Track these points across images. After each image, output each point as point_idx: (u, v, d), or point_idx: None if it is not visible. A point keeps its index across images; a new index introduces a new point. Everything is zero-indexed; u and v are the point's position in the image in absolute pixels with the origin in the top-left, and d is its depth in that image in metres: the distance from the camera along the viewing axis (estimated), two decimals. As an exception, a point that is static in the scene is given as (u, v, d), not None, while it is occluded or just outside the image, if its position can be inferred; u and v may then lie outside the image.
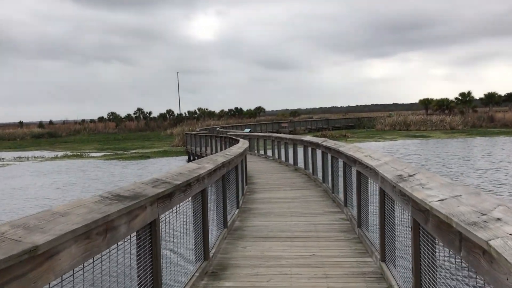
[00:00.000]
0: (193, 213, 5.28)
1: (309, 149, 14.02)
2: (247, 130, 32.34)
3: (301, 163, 15.68)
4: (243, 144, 11.93)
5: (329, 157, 10.53)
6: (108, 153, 41.15)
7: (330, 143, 10.45)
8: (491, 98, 70.60)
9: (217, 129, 43.57)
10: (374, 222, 5.99)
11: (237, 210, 8.75)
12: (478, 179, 18.59)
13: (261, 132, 52.78)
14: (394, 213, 4.73)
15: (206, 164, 5.81)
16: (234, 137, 20.29)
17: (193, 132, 35.29)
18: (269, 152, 21.76)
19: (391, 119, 61.44)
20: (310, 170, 13.85)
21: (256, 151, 24.38)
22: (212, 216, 6.52)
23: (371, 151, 6.65)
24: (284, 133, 56.59)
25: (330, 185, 10.51)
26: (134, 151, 42.02)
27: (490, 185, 17.18)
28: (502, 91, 73.19)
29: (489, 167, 22.19)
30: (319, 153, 12.36)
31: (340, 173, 9.04)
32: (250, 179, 14.35)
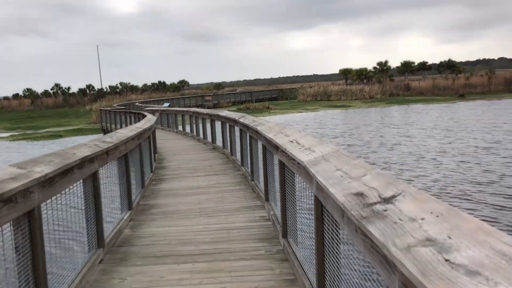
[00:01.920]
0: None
1: (227, 126, 11.94)
2: (166, 104, 29.78)
3: (220, 141, 13.60)
4: (144, 123, 9.58)
5: (248, 137, 8.52)
6: (17, 133, 36.75)
7: (248, 119, 8.41)
8: (407, 67, 72.09)
9: (136, 104, 40.34)
10: (308, 234, 4.07)
11: (129, 213, 6.51)
12: (413, 147, 17.55)
13: (184, 106, 50.03)
14: (339, 245, 2.79)
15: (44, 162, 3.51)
16: (146, 113, 17.74)
17: (108, 108, 32.02)
18: (188, 128, 19.49)
19: (312, 89, 60.77)
20: (229, 150, 11.82)
21: (174, 128, 22.00)
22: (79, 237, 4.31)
23: (299, 134, 4.68)
24: (208, 107, 54.29)
25: (249, 170, 8.52)
26: (46, 130, 37.90)
27: (431, 154, 16.10)
28: (416, 60, 74.92)
29: (424, 134, 21.45)
30: (237, 130, 10.34)
31: (261, 157, 7.05)
32: (161, 161, 12.09)
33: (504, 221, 8.97)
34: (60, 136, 31.84)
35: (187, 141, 17.05)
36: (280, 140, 4.73)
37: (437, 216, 1.75)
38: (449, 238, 1.54)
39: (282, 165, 4.81)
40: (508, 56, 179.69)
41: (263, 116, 38.65)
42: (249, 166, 8.63)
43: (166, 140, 17.79)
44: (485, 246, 1.42)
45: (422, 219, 1.76)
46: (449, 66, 72.48)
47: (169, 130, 22.42)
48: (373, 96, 55.44)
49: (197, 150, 14.16)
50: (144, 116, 17.67)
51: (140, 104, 37.43)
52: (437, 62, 77.56)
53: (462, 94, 49.86)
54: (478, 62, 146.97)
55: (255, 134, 7.15)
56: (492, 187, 11.42)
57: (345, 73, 73.07)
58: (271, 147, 5.54)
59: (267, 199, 6.46)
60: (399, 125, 26.22)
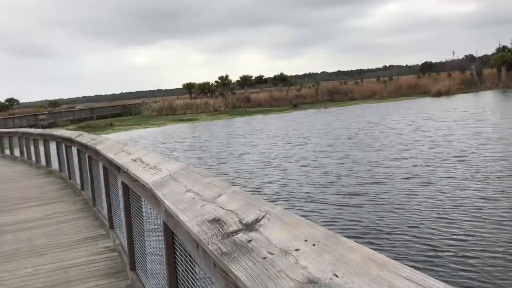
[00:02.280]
0: None
1: (63, 146, 10.66)
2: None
3: (56, 164, 12.13)
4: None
5: (87, 157, 7.59)
6: None
7: (86, 138, 7.51)
8: (246, 81, 75.09)
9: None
10: (160, 266, 3.53)
11: None
12: (260, 156, 17.91)
13: (13, 127, 44.75)
14: (195, 281, 2.35)
15: None
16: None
17: None
18: (17, 152, 17.18)
19: (157, 104, 59.62)
20: (67, 173, 10.56)
21: (0, 153, 19.25)
22: None
23: (143, 151, 4.13)
24: (42, 126, 49.38)
25: (91, 194, 7.60)
26: None
27: (276, 161, 16.53)
28: (253, 74, 78.62)
29: (268, 142, 22.13)
30: (75, 151, 9.24)
31: (103, 179, 6.26)
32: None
33: (346, 217, 9.49)
34: None
35: (16, 167, 14.97)
36: (122, 159, 4.13)
37: (314, 245, 1.41)
38: (336, 276, 1.19)
39: (126, 187, 4.20)
40: (329, 70, 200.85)
41: (106, 133, 36.46)
42: (90, 190, 7.70)
43: (-10, 167, 15.40)
44: (384, 285, 1.09)
45: (297, 250, 1.39)
46: (282, 79, 77.67)
47: (-6, 155, 19.57)
48: (217, 109, 56.60)
49: (28, 176, 12.44)
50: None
51: (-43, 128, 32.31)
52: (272, 76, 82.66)
53: (295, 104, 53.61)
54: (305, 75, 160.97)
55: (95, 154, 6.34)
56: (332, 187, 12.14)
57: (189, 87, 73.25)
58: (112, 167, 4.87)
59: (111, 227, 5.72)
60: (244, 135, 26.92)
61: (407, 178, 12.28)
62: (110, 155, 4.70)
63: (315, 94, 58.72)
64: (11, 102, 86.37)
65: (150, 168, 3.32)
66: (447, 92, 47.56)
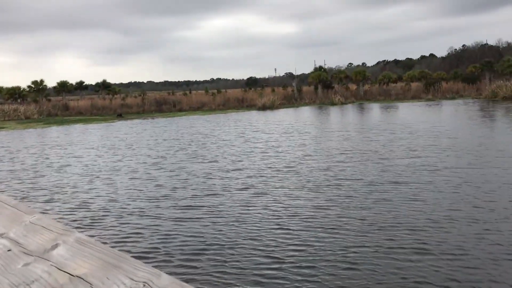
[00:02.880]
0: None
1: None
2: None
3: None
4: None
5: None
6: None
7: None
8: (64, 87, 68.84)
9: None
10: None
11: None
12: (84, 168, 15.90)
13: None
14: None
15: None
16: None
17: None
18: None
19: None
20: None
21: None
22: None
23: None
24: None
25: None
26: None
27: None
28: (73, 80, 72.62)
29: (93, 154, 19.90)
30: None
31: None
32: None
33: (184, 232, 8.76)
34: None
35: None
36: None
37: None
38: None
39: None
40: (155, 80, 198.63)
41: None
42: None
43: None
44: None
45: None
46: (105, 87, 73.52)
47: None
48: (30, 117, 50.79)
49: None
50: None
51: None
52: (93, 83, 77.52)
53: (120, 114, 51.09)
54: (130, 84, 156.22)
55: None
56: (167, 201, 11.29)
57: (-5, 91, 64.17)
58: None
59: None
60: (64, 145, 24.18)
61: (243, 189, 12.15)
62: None
63: (142, 103, 56.85)
64: None
65: None
66: (271, 106, 50.54)
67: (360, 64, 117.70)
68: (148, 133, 29.06)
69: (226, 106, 53.41)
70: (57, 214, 10.53)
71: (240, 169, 14.86)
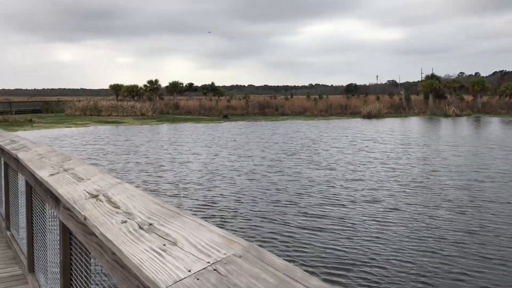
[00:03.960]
0: None
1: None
2: None
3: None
4: None
5: (3, 165, 5.38)
6: None
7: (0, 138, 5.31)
8: (175, 87, 72.16)
9: None
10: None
11: None
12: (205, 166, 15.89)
13: None
14: None
15: None
16: None
17: None
18: None
19: (81, 103, 55.00)
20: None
21: None
22: None
23: (107, 180, 2.17)
24: None
25: (3, 213, 5.32)
26: None
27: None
28: (182, 82, 75.73)
29: (209, 152, 20.06)
30: None
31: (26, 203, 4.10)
32: None
33: (320, 243, 7.87)
34: None
35: None
36: (68, 189, 2.16)
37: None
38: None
39: (66, 232, 2.23)
40: (256, 84, 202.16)
41: (24, 130, 32.37)
42: (3, 210, 5.44)
43: None
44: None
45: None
46: (212, 89, 75.77)
47: None
48: (145, 113, 53.37)
49: None
50: None
51: None
52: (200, 84, 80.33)
53: (226, 115, 51.99)
54: (232, 87, 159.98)
55: (16, 164, 4.20)
56: (288, 207, 10.51)
57: (116, 89, 68.98)
58: (47, 195, 2.86)
59: (32, 270, 3.60)
60: (180, 142, 24.78)
61: (371, 202, 11.11)
62: (44, 174, 2.71)
63: (246, 106, 57.51)
64: None
65: (119, 213, 1.49)
66: (377, 115, 47.89)
67: (473, 74, 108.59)
68: (256, 135, 28.87)
69: (329, 112, 52.05)
70: (188, 210, 10.20)
71: (361, 180, 13.73)
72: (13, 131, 31.25)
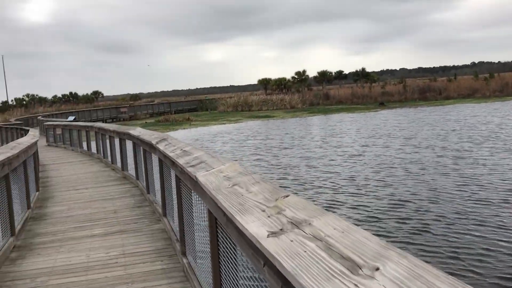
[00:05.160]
0: None
1: (141, 150, 7.88)
2: (71, 118, 24.83)
3: (132, 167, 9.46)
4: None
5: (174, 177, 4.65)
6: None
7: (173, 146, 4.58)
8: (324, 76, 71.07)
9: (39, 118, 34.65)
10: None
11: None
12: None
13: (96, 119, 44.32)
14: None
15: None
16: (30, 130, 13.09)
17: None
18: (94, 148, 15.05)
19: (232, 100, 57.35)
20: (144, 184, 7.78)
21: (78, 147, 17.35)
22: None
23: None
24: (123, 119, 48.74)
25: (177, 228, 4.66)
26: None
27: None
28: (330, 70, 74.13)
29: (381, 143, 18.57)
30: (155, 160, 6.44)
31: (205, 224, 3.18)
32: (43, 204, 7.74)
33: None
34: None
35: (90, 166, 12.63)
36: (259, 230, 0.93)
37: None
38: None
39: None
40: (408, 67, 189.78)
41: (184, 128, 34.47)
42: (176, 222, 4.77)
43: (63, 165, 13.26)
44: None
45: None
46: (363, 75, 72.58)
47: (72, 150, 17.71)
48: (294, 106, 53.23)
49: (100, 182, 9.87)
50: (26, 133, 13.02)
51: (42, 118, 31.71)
52: (347, 72, 77.43)
53: (382, 102, 49.09)
54: (383, 72, 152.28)
55: (193, 185, 3.33)
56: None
57: (264, 83, 70.58)
58: (241, 240, 1.74)
59: None
60: (339, 133, 23.47)
61: None
62: (244, 222, 1.55)
63: (403, 91, 53.58)
64: (96, 94, 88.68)
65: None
66: None
67: None
68: (425, 122, 26.05)
69: (504, 92, 45.43)
70: (380, 213, 8.79)
71: None
72: (174, 130, 33.60)
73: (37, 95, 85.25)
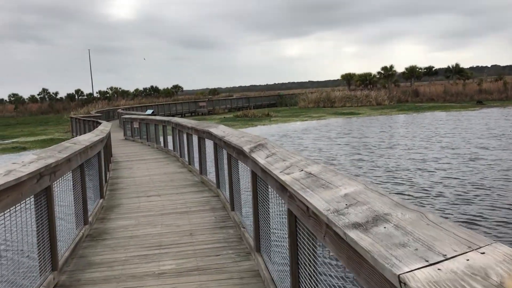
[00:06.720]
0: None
1: (224, 153, 6.28)
2: (149, 111, 24.37)
3: (212, 172, 7.96)
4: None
5: (272, 191, 2.92)
6: (-24, 144, 30.84)
7: (277, 160, 2.81)
8: (413, 72, 66.60)
9: (119, 110, 35.10)
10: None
11: None
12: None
13: (176, 113, 44.34)
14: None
15: None
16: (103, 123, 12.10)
17: (79, 116, 26.49)
18: (171, 144, 13.96)
19: (314, 95, 55.14)
20: (227, 195, 6.22)
21: (155, 142, 16.46)
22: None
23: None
24: (202, 114, 48.48)
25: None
26: (14, 140, 32.12)
27: None
28: (420, 65, 69.36)
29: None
30: (245, 169, 4.77)
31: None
32: (107, 215, 6.44)
33: None
34: (24, 149, 26.13)
35: (165, 166, 11.40)
36: None
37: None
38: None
39: None
40: (501, 64, 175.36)
41: (263, 124, 33.02)
42: (276, 266, 3.05)
43: (137, 163, 12.20)
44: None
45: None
46: (457, 71, 67.04)
47: (149, 145, 16.86)
48: (381, 103, 49.96)
49: (175, 187, 8.48)
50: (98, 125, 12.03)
51: (121, 111, 31.87)
52: (436, 67, 71.83)
53: (480, 100, 44.60)
54: (471, 69, 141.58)
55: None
56: None
57: (348, 79, 67.52)
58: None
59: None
60: (443, 134, 20.82)
61: None
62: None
63: (504, 89, 48.43)
64: (176, 88, 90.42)
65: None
66: None
67: None
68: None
69: None
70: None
71: None
72: (253, 126, 32.28)
73: (120, 88, 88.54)
